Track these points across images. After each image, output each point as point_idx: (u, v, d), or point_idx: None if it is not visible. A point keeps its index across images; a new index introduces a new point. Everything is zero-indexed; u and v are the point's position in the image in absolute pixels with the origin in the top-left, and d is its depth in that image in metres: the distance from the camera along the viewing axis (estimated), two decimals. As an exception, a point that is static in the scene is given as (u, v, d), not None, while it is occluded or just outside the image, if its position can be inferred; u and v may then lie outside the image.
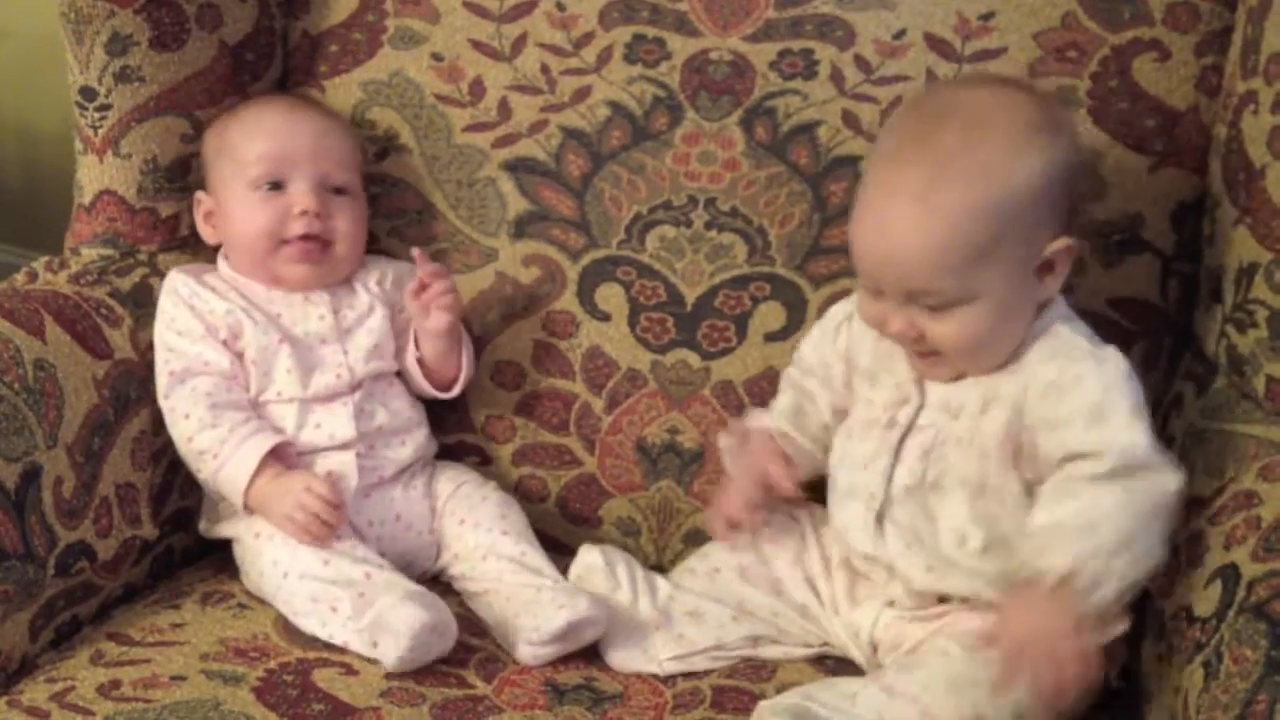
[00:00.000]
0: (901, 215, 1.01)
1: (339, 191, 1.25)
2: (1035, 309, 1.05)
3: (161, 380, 1.20)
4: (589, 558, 1.16)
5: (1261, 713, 0.83)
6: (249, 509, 1.17)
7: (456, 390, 1.26)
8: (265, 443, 1.16)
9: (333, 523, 1.13)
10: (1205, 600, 0.95)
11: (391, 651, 1.05)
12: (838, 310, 1.18)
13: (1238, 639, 0.88)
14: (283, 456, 1.18)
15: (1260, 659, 0.86)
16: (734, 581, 1.16)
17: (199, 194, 1.26)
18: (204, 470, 1.18)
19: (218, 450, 1.17)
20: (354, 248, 1.27)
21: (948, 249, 1.00)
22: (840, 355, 1.15)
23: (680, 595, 1.14)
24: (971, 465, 1.05)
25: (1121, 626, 1.06)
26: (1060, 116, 1.08)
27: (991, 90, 1.07)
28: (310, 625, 1.12)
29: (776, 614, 1.14)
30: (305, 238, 1.23)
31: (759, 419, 1.20)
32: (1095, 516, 0.97)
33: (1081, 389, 1.01)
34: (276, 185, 1.23)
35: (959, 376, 1.07)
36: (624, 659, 1.11)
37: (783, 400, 1.19)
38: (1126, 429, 0.99)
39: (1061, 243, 1.03)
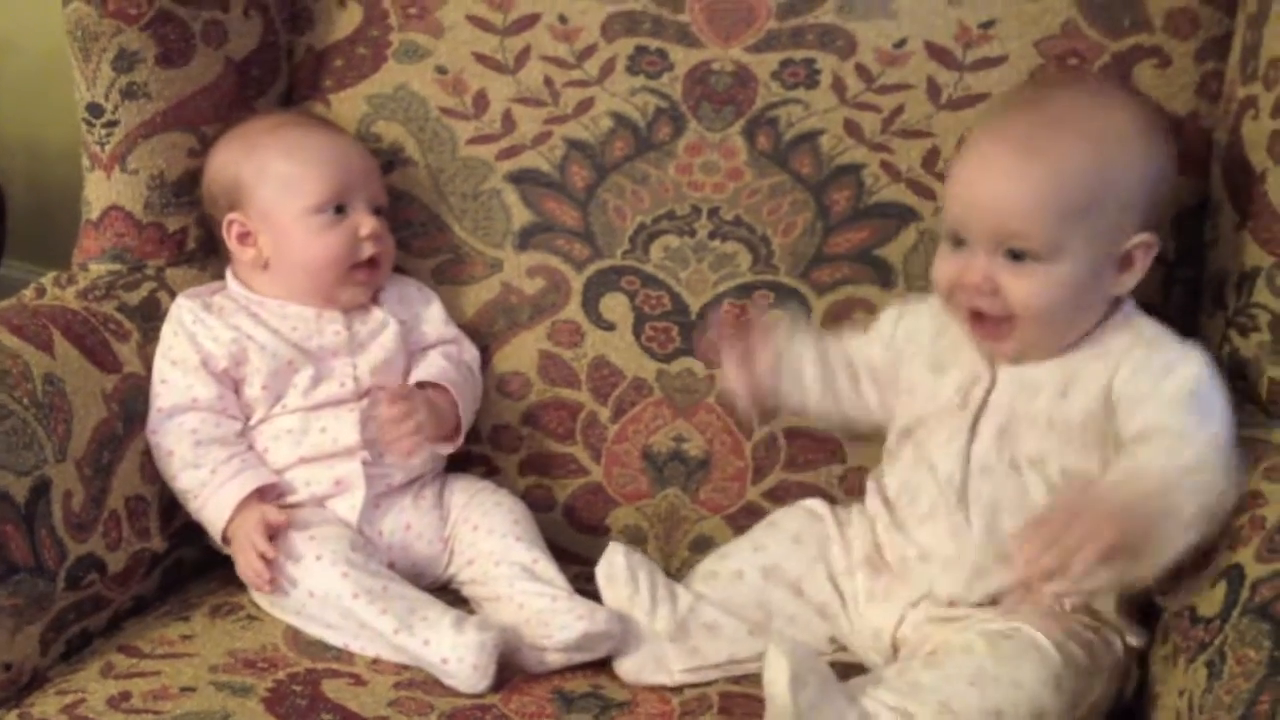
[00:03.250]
0: (1006, 157, 1.05)
1: (378, 211, 1.27)
2: (1106, 302, 1.08)
3: (151, 414, 1.21)
4: (615, 560, 1.13)
5: (1265, 713, 0.83)
6: (227, 544, 1.20)
7: (451, 448, 1.25)
8: (243, 488, 1.18)
9: (264, 578, 1.14)
10: (1210, 601, 0.96)
11: (480, 682, 1.07)
12: (891, 310, 1.20)
13: (1241, 639, 0.89)
14: (265, 494, 1.19)
15: (1264, 659, 0.86)
16: (757, 583, 1.15)
17: (233, 215, 1.26)
18: (188, 507, 1.21)
19: (198, 491, 1.19)
20: (391, 265, 1.30)
21: (1045, 195, 1.03)
22: (885, 341, 1.18)
23: (700, 607, 1.13)
24: (1050, 446, 1.07)
25: (1137, 640, 1.06)
26: (1167, 127, 1.11)
27: (1112, 82, 1.16)
28: (341, 639, 1.13)
29: (794, 617, 1.14)
30: (371, 260, 1.25)
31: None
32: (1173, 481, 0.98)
33: (1176, 376, 1.03)
34: (340, 209, 1.24)
35: (1018, 359, 1.08)
36: (636, 669, 1.11)
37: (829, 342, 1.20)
38: (1210, 424, 1.01)
39: (1146, 236, 1.06)
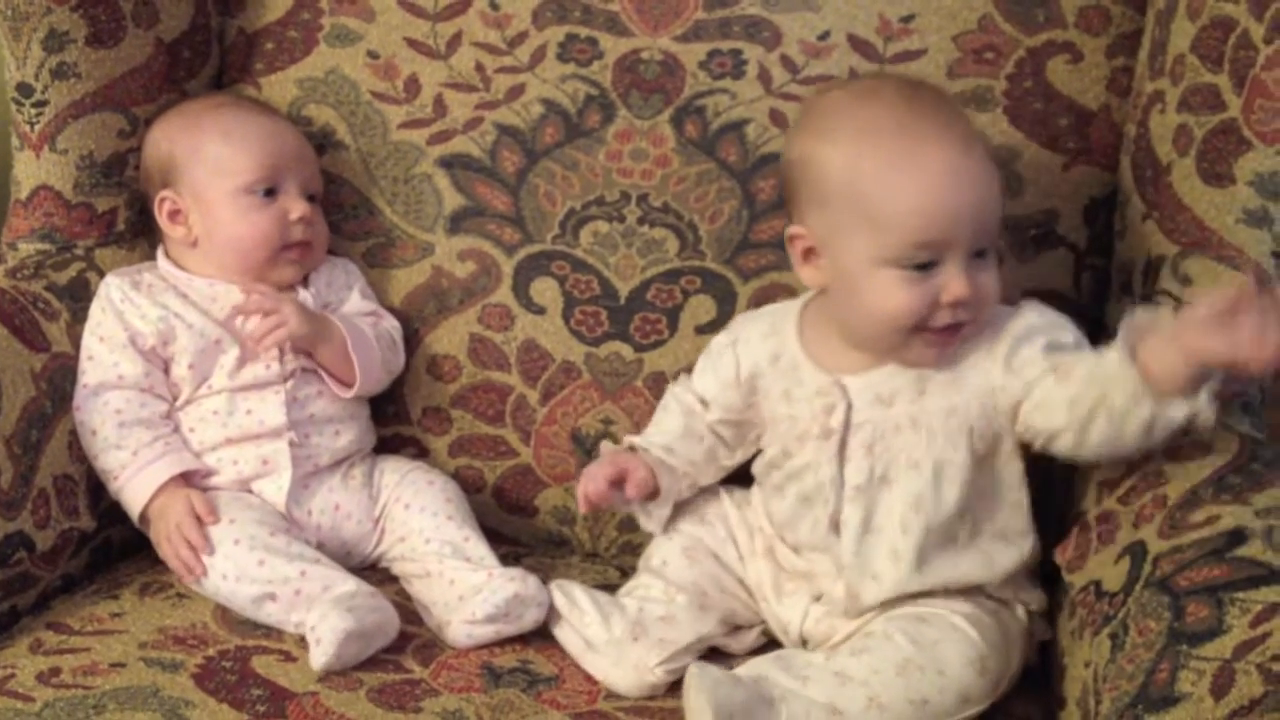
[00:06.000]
0: (963, 160, 1.03)
1: (312, 198, 1.28)
2: None
3: (77, 390, 1.22)
4: (554, 597, 1.13)
5: (1164, 680, 0.86)
6: (144, 527, 1.20)
7: (349, 394, 1.25)
8: (164, 472, 1.19)
9: (189, 563, 1.15)
10: (1114, 575, 0.99)
11: (318, 659, 1.07)
12: (721, 339, 1.19)
13: (1143, 611, 0.92)
14: (190, 477, 1.20)
15: (1163, 630, 0.89)
16: (683, 564, 1.15)
17: (165, 192, 1.27)
18: (109, 486, 1.21)
19: (118, 473, 1.20)
20: (324, 250, 1.31)
21: (994, 179, 1.06)
22: (730, 382, 1.16)
23: (647, 605, 1.12)
24: (920, 446, 1.07)
25: (1036, 604, 1.10)
26: None
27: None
28: (261, 618, 1.14)
29: (725, 587, 1.15)
30: (302, 243, 1.26)
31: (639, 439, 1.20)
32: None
33: (1023, 325, 1.07)
34: (270, 192, 1.25)
35: (867, 363, 1.09)
36: (620, 678, 1.09)
37: (670, 423, 1.19)
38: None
39: None
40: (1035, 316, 1.08)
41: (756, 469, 1.17)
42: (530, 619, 1.13)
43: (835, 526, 1.10)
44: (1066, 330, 1.08)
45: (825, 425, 1.09)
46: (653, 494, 1.16)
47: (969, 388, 1.07)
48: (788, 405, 1.13)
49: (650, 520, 1.18)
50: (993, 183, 1.06)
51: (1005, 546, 1.09)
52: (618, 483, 1.15)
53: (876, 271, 1.04)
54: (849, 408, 1.09)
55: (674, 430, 1.18)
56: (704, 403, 1.18)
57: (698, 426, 1.18)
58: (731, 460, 1.19)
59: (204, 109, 1.29)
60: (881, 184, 1.03)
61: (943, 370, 1.08)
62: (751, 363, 1.15)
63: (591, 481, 1.15)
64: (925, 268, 1.03)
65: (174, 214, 1.27)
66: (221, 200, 1.25)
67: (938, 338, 1.06)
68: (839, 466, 1.09)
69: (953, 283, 1.03)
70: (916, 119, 1.05)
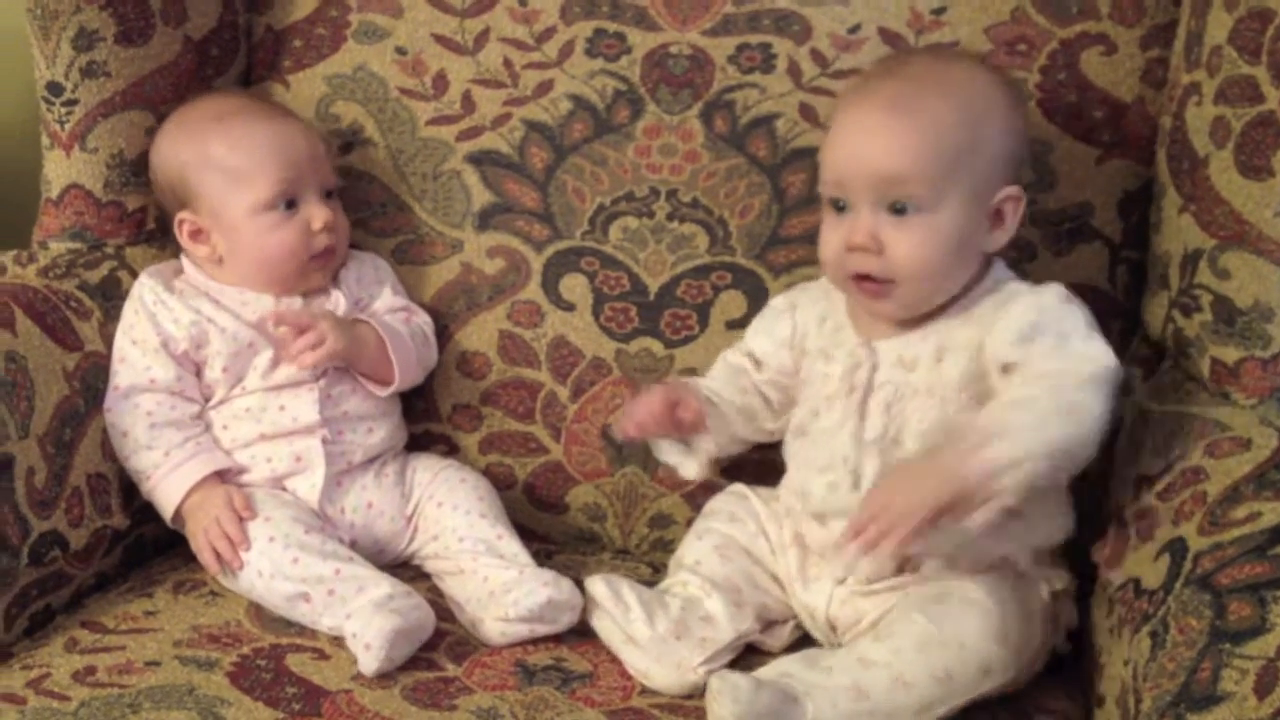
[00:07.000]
0: (876, 114, 1.08)
1: (329, 195, 1.27)
2: (978, 259, 1.10)
3: (108, 391, 1.22)
4: (595, 589, 1.12)
5: (1206, 679, 0.86)
6: (178, 526, 1.21)
7: (386, 392, 1.25)
8: (197, 472, 1.19)
9: (227, 557, 1.15)
10: (1154, 573, 0.98)
11: (370, 664, 1.06)
12: (780, 301, 1.22)
13: (1184, 609, 0.91)
14: (223, 476, 1.20)
15: (1205, 628, 0.89)
16: (716, 563, 1.15)
17: (183, 214, 1.25)
18: (141, 487, 1.21)
19: (151, 474, 1.20)
20: (347, 244, 1.30)
21: (920, 141, 1.06)
22: (784, 342, 1.19)
23: (690, 604, 1.12)
24: (932, 414, 1.08)
25: (1061, 583, 1.09)
26: (1018, 88, 1.18)
27: (958, 50, 1.24)
28: (295, 616, 1.13)
29: (758, 583, 1.15)
30: (326, 249, 1.25)
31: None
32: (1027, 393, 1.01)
33: (1016, 307, 1.06)
34: (291, 203, 1.24)
35: (898, 328, 1.10)
36: (661, 676, 1.08)
37: (718, 374, 1.22)
38: (1055, 349, 1.03)
39: (1013, 189, 1.09)
40: (1038, 317, 1.06)
41: (786, 437, 1.18)
42: (564, 622, 1.12)
43: (856, 483, 1.10)
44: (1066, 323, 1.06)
45: (851, 382, 1.12)
46: (696, 426, 1.18)
47: (981, 361, 1.07)
48: (824, 364, 1.15)
49: (691, 461, 1.19)
50: (916, 142, 1.05)
51: (1032, 522, 1.07)
52: (670, 409, 1.16)
53: (823, 212, 1.13)
54: (874, 367, 1.11)
55: (721, 378, 1.22)
56: (756, 361, 1.21)
57: (744, 382, 1.21)
58: (773, 424, 1.20)
59: (209, 118, 1.26)
60: (826, 136, 1.13)
61: (962, 338, 1.08)
62: (804, 321, 1.19)
63: (644, 405, 1.16)
64: (840, 209, 1.09)
65: (195, 234, 1.25)
66: (242, 219, 1.23)
67: (855, 286, 1.10)
68: (859, 421, 1.11)
69: (854, 230, 1.08)
70: (869, 83, 1.11)
